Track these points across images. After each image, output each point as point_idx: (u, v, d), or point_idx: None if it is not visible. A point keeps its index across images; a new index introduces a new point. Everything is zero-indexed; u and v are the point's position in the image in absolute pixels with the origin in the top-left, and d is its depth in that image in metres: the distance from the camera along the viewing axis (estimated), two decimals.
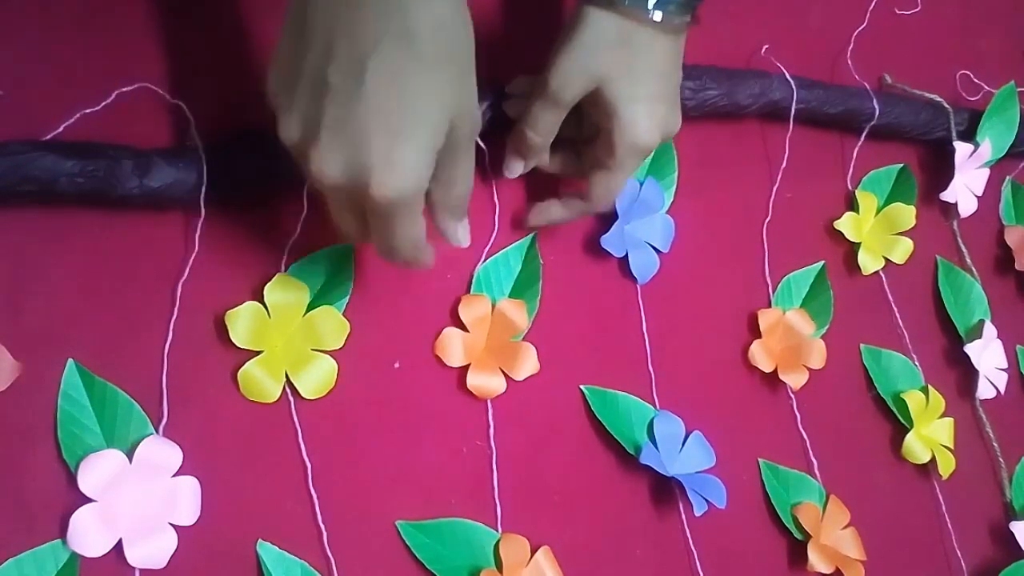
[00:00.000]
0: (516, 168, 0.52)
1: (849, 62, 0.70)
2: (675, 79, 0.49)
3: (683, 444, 0.55)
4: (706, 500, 0.53)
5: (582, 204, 0.51)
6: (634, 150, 0.48)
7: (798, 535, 0.58)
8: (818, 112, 0.66)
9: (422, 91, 0.35)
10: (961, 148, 0.70)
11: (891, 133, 0.70)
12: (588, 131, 0.51)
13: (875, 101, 0.67)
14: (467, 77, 0.38)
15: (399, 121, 0.35)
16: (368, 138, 0.35)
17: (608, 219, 0.56)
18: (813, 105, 0.65)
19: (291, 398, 0.48)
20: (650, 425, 0.55)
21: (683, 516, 0.56)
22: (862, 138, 0.69)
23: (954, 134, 0.71)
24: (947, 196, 0.71)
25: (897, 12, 0.76)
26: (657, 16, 0.46)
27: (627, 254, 0.57)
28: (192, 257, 0.47)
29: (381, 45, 0.34)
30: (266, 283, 0.47)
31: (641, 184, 0.58)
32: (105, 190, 0.43)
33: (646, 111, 0.47)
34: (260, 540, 0.45)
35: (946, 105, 0.71)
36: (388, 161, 0.35)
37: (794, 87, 0.63)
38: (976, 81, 0.76)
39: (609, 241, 0.55)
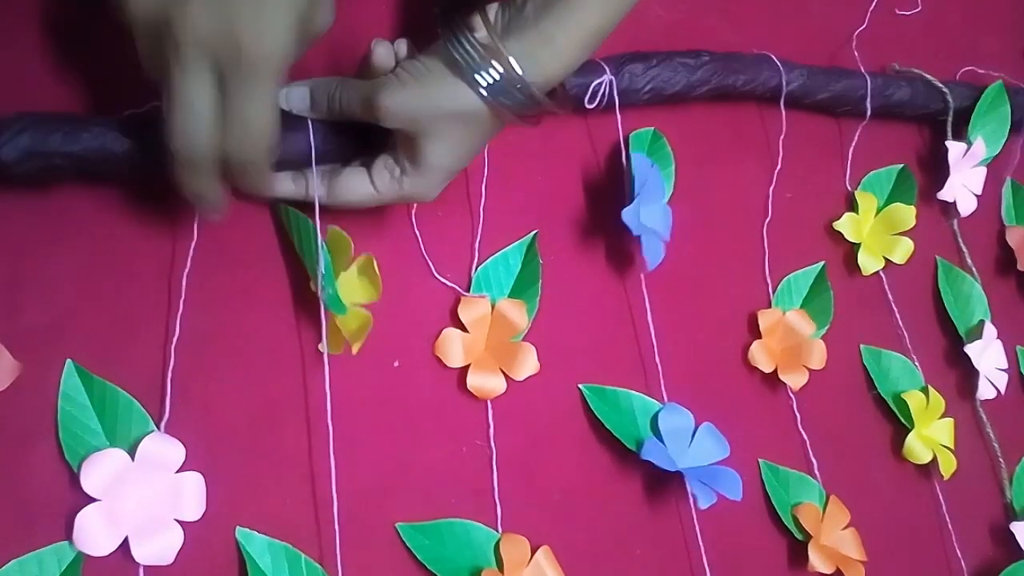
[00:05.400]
0: (298, 103, 0.46)
1: (855, 53, 0.70)
2: (472, 159, 0.47)
3: (692, 436, 0.55)
4: (716, 493, 0.53)
5: (321, 193, 0.47)
6: (408, 200, 0.47)
7: (798, 535, 0.58)
8: (816, 90, 0.66)
9: None
10: (954, 147, 0.71)
11: (889, 112, 0.70)
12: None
13: (868, 78, 0.68)
14: None
15: None
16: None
17: (600, 210, 0.56)
18: (808, 86, 0.66)
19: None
20: (654, 420, 0.55)
21: (683, 516, 0.56)
22: (857, 135, 0.69)
23: (951, 115, 0.72)
24: (944, 195, 0.71)
25: (897, 12, 0.76)
26: (486, 96, 0.43)
27: (639, 238, 0.56)
28: (191, 247, 0.47)
29: None
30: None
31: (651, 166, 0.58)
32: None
33: (442, 180, 0.46)
34: (238, 527, 0.45)
35: (949, 99, 0.71)
36: (260, 17, 0.37)
37: (782, 71, 0.64)
38: (982, 73, 0.76)
39: (628, 215, 0.54)
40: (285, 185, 0.47)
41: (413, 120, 0.43)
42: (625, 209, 0.54)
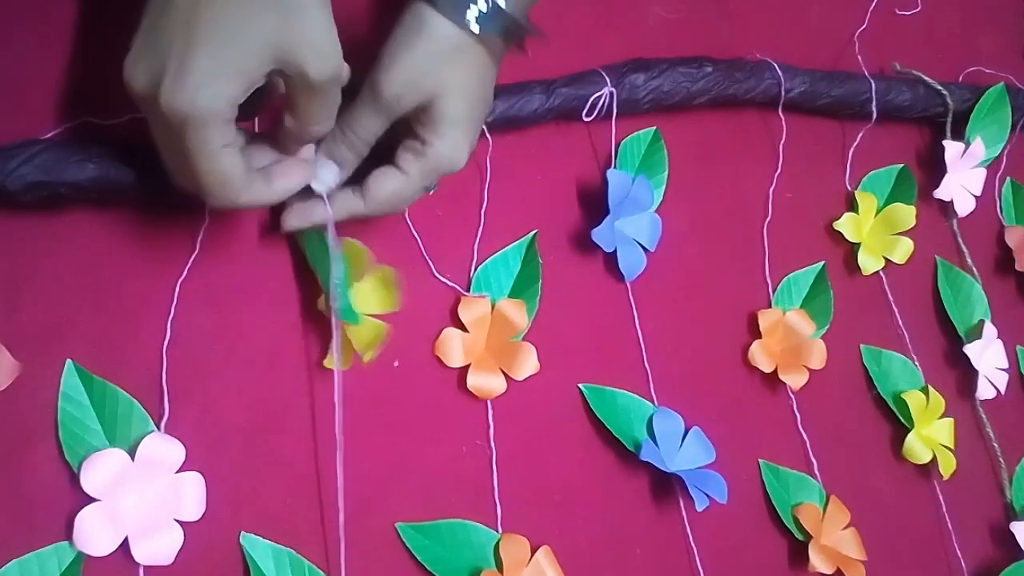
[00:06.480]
0: (331, 177, 0.45)
1: (859, 57, 0.70)
2: (487, 108, 0.47)
3: (682, 440, 0.55)
4: (707, 495, 0.53)
5: (359, 205, 0.45)
6: (440, 170, 0.45)
7: (799, 535, 0.58)
8: (818, 96, 0.66)
9: (236, 13, 0.36)
10: (951, 147, 0.71)
11: (890, 114, 0.70)
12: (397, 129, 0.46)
13: (872, 81, 0.68)
14: (311, 18, 0.37)
15: (201, 34, 0.35)
16: (169, 46, 0.35)
17: (600, 213, 0.56)
18: (810, 92, 0.66)
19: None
20: (649, 422, 0.55)
21: (683, 516, 0.56)
22: (859, 137, 0.69)
23: (950, 117, 0.72)
24: (940, 194, 0.71)
25: (897, 12, 0.76)
26: (478, 31, 0.43)
27: (615, 250, 0.57)
28: (192, 257, 0.47)
29: None
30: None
31: (633, 181, 0.58)
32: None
33: (465, 135, 0.45)
34: (243, 532, 0.45)
35: (949, 100, 0.71)
36: (181, 70, 0.35)
37: (781, 78, 0.64)
38: (988, 73, 0.76)
39: (600, 235, 0.55)
40: (320, 212, 0.45)
41: (421, 86, 0.43)
42: (595, 229, 0.55)
